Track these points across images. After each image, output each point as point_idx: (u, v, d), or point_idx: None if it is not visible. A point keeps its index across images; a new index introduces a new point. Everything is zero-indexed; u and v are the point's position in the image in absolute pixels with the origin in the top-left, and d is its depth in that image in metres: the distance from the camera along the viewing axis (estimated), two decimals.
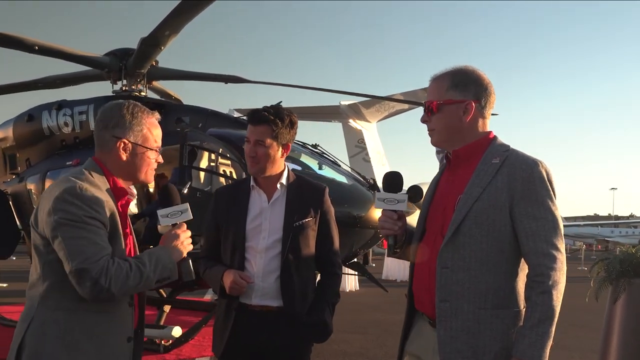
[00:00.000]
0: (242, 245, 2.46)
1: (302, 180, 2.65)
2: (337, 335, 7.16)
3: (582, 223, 46.45)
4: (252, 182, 2.56)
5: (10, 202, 7.20)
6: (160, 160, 2.15)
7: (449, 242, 1.91)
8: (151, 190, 7.97)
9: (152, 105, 6.94)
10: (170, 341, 5.46)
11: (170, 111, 6.93)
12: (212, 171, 6.24)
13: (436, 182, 2.15)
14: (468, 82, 1.99)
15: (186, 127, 6.01)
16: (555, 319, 1.82)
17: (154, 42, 6.68)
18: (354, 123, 24.43)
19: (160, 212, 2.05)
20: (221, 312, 2.52)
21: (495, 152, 1.97)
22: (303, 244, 2.50)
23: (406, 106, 21.24)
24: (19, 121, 7.50)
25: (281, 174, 2.56)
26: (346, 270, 8.07)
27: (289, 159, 6.60)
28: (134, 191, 2.16)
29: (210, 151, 6.25)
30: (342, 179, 6.45)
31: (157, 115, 2.14)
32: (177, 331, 5.24)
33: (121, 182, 2.07)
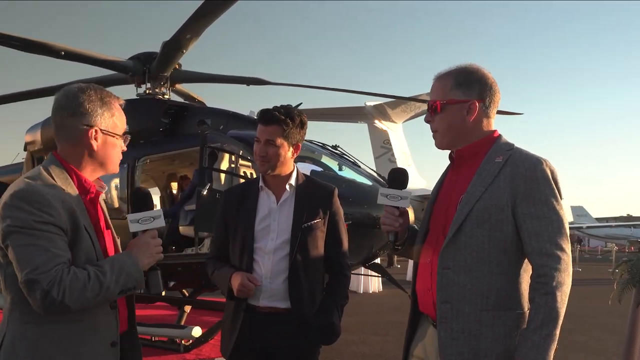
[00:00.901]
0: (251, 246, 2.47)
1: (311, 181, 2.66)
2: (358, 336, 7.22)
3: (614, 224, 45.33)
4: (261, 183, 2.57)
5: None
6: (124, 147, 2.00)
7: (450, 242, 1.89)
8: (174, 191, 8.09)
9: (175, 108, 7.09)
10: (191, 341, 5.52)
11: (193, 114, 7.02)
12: (232, 173, 6.29)
13: (441, 182, 2.13)
14: (472, 81, 1.97)
15: (206, 129, 6.08)
16: (560, 321, 1.79)
17: (175, 45, 6.77)
18: (380, 124, 24.37)
19: (130, 216, 1.91)
20: (229, 313, 2.53)
21: (498, 151, 1.94)
22: (311, 245, 2.50)
23: None
24: (47, 125, 7.66)
25: (290, 174, 2.57)
26: (368, 271, 8.06)
27: (309, 159, 6.66)
28: (104, 183, 2.01)
29: (231, 153, 6.31)
30: (362, 179, 6.44)
31: (121, 100, 1.99)
32: (197, 331, 5.30)
33: (87, 176, 1.91)
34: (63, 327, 1.76)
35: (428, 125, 2.07)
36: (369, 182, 6.40)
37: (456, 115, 1.97)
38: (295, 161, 6.08)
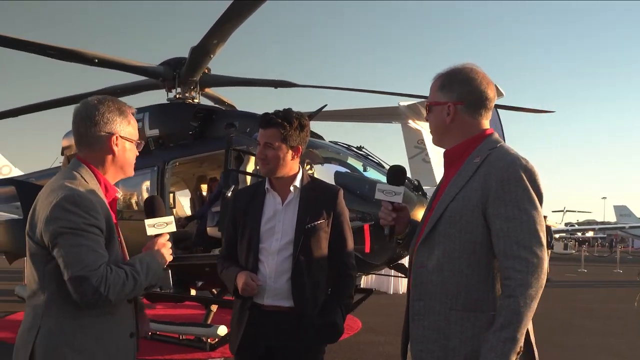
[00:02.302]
0: (257, 247, 2.55)
1: (316, 182, 2.72)
2: (384, 337, 7.25)
3: None
4: (267, 185, 2.64)
5: None
6: (137, 152, 2.18)
7: (424, 241, 1.93)
8: (204, 193, 8.25)
9: (204, 111, 7.24)
10: (216, 339, 5.64)
11: (220, 117, 7.16)
12: (257, 175, 6.39)
13: (440, 182, 2.16)
14: (453, 84, 2.00)
15: (232, 132, 6.19)
16: (522, 325, 1.75)
17: (203, 51, 6.91)
18: (414, 124, 24.13)
19: (147, 221, 2.11)
20: (236, 311, 2.61)
21: (480, 151, 1.95)
22: (315, 245, 2.55)
23: None
24: None
25: (295, 176, 2.63)
26: (395, 272, 8.04)
27: (335, 161, 6.68)
28: (117, 188, 2.18)
29: (255, 155, 6.40)
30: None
31: (133, 109, 2.19)
32: (222, 330, 5.40)
33: (109, 179, 2.10)
34: (95, 320, 1.94)
35: None
36: None
37: (438, 116, 2.02)
38: (313, 162, 6.03)
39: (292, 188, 2.61)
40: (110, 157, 2.08)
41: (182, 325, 5.82)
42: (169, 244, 2.13)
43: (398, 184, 2.21)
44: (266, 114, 2.60)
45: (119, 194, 2.17)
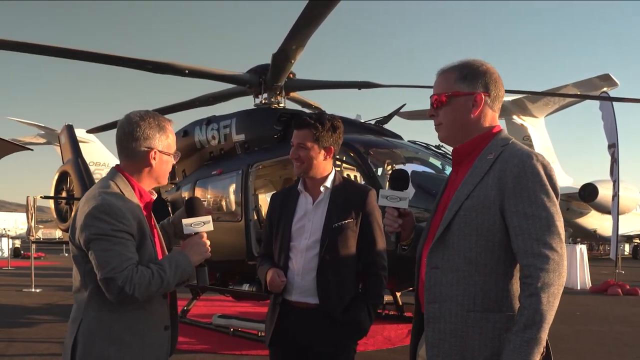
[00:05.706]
0: (287, 245, 2.64)
1: (347, 183, 2.75)
2: None
3: None
4: (300, 186, 2.72)
5: (169, 209, 8.13)
6: (174, 162, 2.32)
7: (438, 241, 1.87)
8: None
9: (287, 115, 7.44)
10: None
11: None
12: None
13: (447, 181, 2.11)
14: (477, 74, 1.92)
15: None
16: (545, 324, 1.68)
17: (283, 56, 7.09)
18: (518, 119, 23.14)
19: (185, 221, 2.22)
20: (270, 306, 2.72)
21: (493, 147, 1.88)
22: (341, 244, 2.58)
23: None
24: (176, 136, 8.43)
25: (326, 177, 2.69)
26: None
27: (417, 160, 6.58)
28: (154, 191, 2.32)
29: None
30: None
31: (172, 123, 2.31)
32: None
33: (145, 188, 2.25)
34: (131, 313, 2.11)
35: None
36: None
37: (461, 108, 1.93)
38: (394, 162, 6.02)
39: (322, 188, 2.67)
40: (147, 169, 2.23)
41: (261, 322, 6.05)
42: (206, 243, 2.24)
43: (401, 189, 2.15)
44: (300, 115, 2.68)
45: (154, 196, 2.32)
